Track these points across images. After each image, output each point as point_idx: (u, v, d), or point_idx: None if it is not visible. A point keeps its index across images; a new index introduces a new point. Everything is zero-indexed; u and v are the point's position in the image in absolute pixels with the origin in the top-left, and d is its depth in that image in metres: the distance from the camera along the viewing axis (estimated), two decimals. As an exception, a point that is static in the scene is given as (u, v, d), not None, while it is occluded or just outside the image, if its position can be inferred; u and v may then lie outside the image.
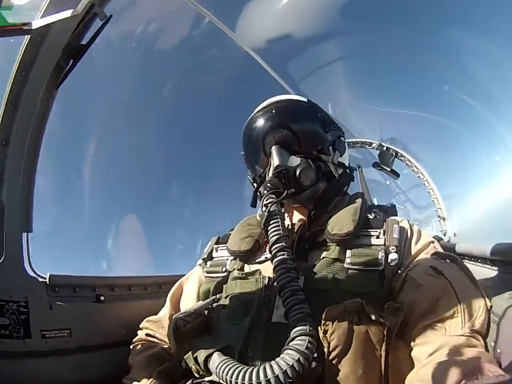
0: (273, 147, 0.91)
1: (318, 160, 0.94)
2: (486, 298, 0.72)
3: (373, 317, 0.64)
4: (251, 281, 0.83)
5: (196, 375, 0.76)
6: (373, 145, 3.13)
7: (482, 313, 0.68)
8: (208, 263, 1.03)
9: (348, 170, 1.07)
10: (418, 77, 2.88)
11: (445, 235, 2.88)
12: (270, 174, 0.89)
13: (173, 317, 0.83)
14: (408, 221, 0.91)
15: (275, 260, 0.73)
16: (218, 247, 1.05)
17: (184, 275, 1.16)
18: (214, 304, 0.88)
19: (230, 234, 1.04)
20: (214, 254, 1.04)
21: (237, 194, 3.28)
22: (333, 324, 0.64)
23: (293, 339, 0.61)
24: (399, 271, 0.78)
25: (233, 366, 0.61)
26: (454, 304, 0.67)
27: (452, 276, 0.72)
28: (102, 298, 1.15)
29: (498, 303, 0.73)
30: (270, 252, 0.76)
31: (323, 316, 0.65)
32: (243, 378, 0.57)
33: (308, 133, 0.97)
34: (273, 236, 0.76)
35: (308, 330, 0.61)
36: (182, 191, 3.39)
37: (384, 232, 0.82)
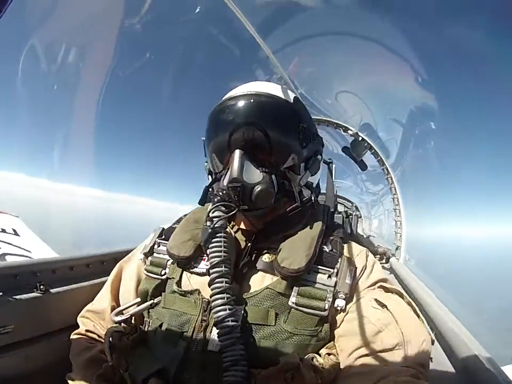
0: (236, 152, 0.77)
1: (284, 178, 0.83)
2: (431, 332, 0.71)
3: (308, 375, 0.64)
4: (190, 301, 0.79)
5: None
6: (349, 131, 3.10)
7: (426, 347, 0.67)
8: (149, 258, 0.96)
9: (313, 194, 0.93)
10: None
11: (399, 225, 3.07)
12: (225, 182, 0.78)
13: (107, 329, 0.82)
14: (366, 252, 0.88)
15: (213, 286, 0.69)
16: (160, 242, 0.97)
17: (122, 252, 1.20)
18: (151, 311, 0.87)
19: (175, 228, 0.96)
20: (156, 249, 0.97)
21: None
22: (266, 381, 0.64)
23: None
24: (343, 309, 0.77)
25: None
26: (396, 336, 0.66)
27: (395, 309, 0.71)
28: (43, 288, 1.10)
29: None
30: (209, 274, 0.72)
31: (258, 376, 0.64)
32: None
33: (283, 145, 0.83)
34: (213, 258, 0.71)
35: (239, 378, 0.62)
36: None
37: (337, 273, 0.77)
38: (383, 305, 0.72)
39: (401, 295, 0.78)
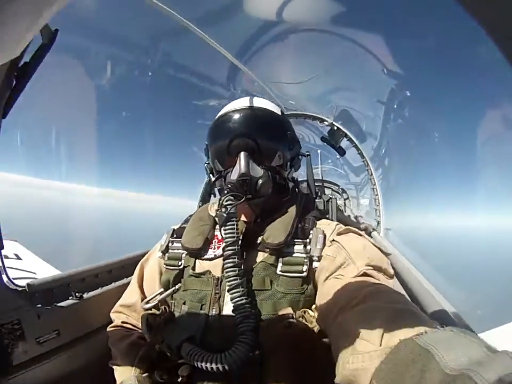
0: (242, 153, 0.96)
1: (276, 173, 1.04)
2: (375, 242, 0.89)
3: (300, 324, 0.83)
4: (204, 280, 0.98)
5: (169, 355, 0.95)
6: (325, 122, 3.33)
7: (368, 250, 0.86)
8: (166, 255, 1.15)
9: (297, 186, 1.19)
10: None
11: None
12: (234, 177, 0.96)
13: (142, 314, 0.99)
14: (336, 224, 1.04)
15: (227, 261, 0.88)
16: (174, 240, 1.16)
17: (139, 255, 1.42)
18: (175, 295, 1.04)
19: (184, 227, 1.15)
20: (170, 246, 1.16)
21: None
22: (269, 328, 0.83)
23: (240, 333, 0.80)
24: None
25: (199, 353, 0.82)
26: (344, 255, 0.85)
27: (342, 239, 0.91)
28: (78, 295, 1.29)
29: None
30: (223, 252, 0.90)
31: (262, 325, 0.83)
32: (206, 363, 0.79)
33: (274, 149, 1.04)
34: (228, 238, 0.89)
35: (250, 327, 0.80)
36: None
37: (310, 241, 0.96)
38: (333, 241, 0.93)
39: (353, 231, 0.96)
